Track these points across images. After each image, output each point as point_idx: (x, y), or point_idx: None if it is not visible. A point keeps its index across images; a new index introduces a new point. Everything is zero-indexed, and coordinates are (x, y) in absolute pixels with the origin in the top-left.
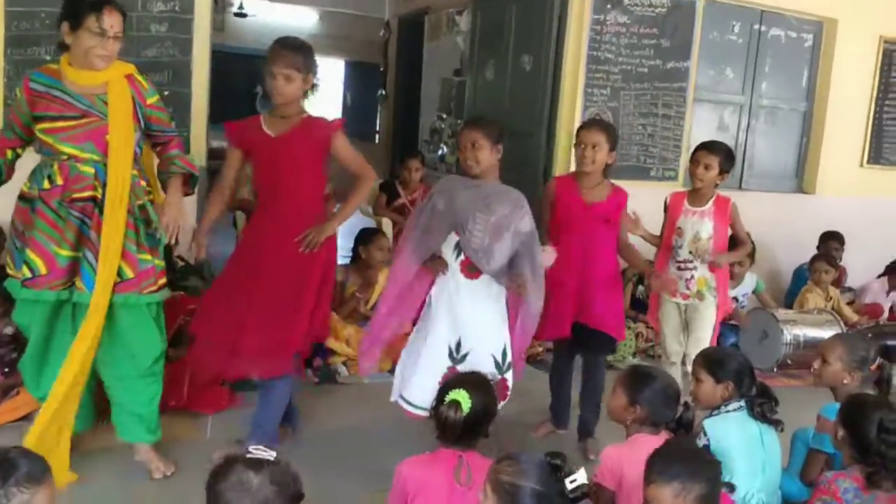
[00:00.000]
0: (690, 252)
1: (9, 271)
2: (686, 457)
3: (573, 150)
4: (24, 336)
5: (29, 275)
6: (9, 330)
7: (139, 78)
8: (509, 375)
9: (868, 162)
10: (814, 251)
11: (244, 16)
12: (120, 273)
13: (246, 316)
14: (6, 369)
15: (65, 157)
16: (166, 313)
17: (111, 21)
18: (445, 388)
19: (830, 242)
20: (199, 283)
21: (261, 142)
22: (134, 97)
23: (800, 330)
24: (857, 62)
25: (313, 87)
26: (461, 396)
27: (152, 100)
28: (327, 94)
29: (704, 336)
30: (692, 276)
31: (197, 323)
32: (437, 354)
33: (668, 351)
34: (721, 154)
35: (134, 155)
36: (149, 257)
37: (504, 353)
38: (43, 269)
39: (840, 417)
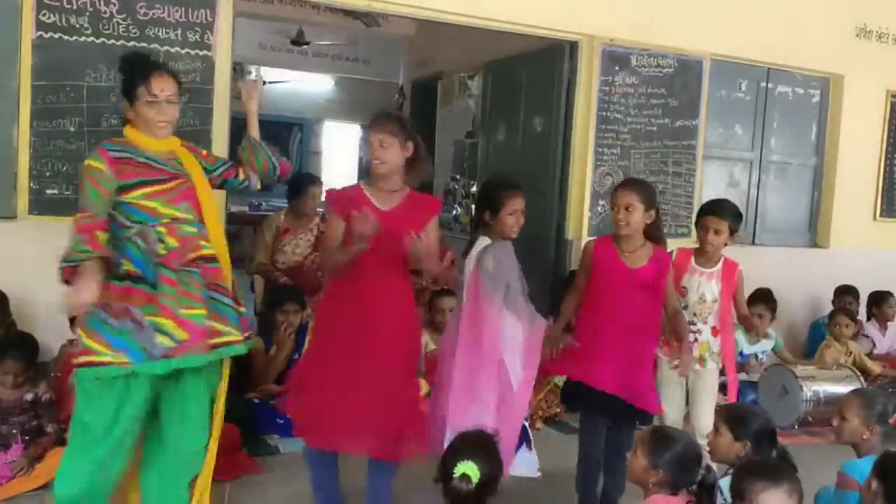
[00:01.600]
0: (695, 314)
1: (95, 359)
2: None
3: (588, 209)
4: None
5: (170, 343)
6: (28, 396)
7: (188, 144)
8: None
9: (881, 215)
10: (829, 305)
11: (263, 83)
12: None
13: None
14: (27, 437)
15: (167, 220)
16: None
17: (161, 85)
18: (451, 455)
19: (845, 297)
20: None
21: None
22: (196, 158)
23: (819, 386)
24: (865, 116)
25: (415, 159)
26: (470, 469)
27: (205, 152)
28: (343, 158)
29: (706, 407)
30: (695, 340)
31: (299, 407)
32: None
33: (668, 422)
34: (729, 217)
35: None
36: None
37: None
38: (182, 335)
39: (876, 473)
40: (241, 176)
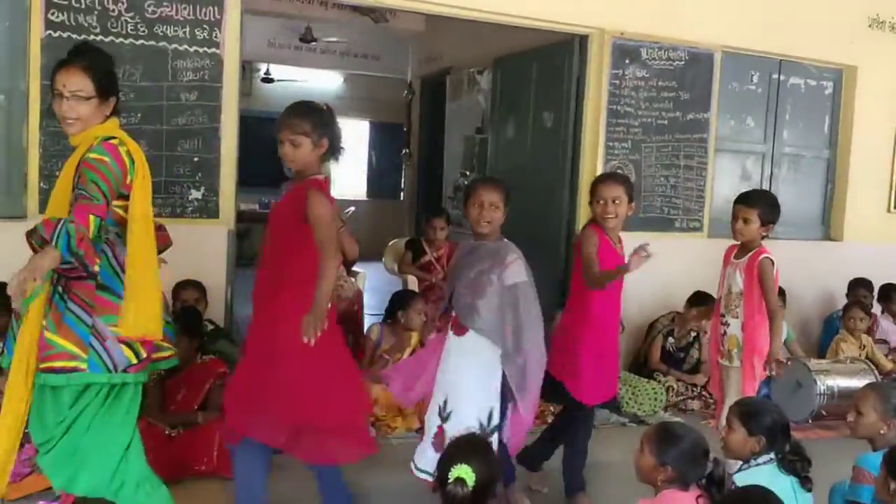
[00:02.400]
0: (725, 307)
1: (80, 365)
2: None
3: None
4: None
5: (134, 360)
6: None
7: (92, 155)
8: (494, 439)
9: (895, 207)
10: (843, 298)
11: (271, 81)
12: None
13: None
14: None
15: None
16: (197, 376)
17: (65, 79)
18: (447, 459)
19: (859, 290)
20: (228, 348)
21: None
22: (79, 158)
23: (833, 380)
24: (878, 108)
25: (332, 150)
26: (465, 473)
27: (90, 156)
28: (353, 155)
29: (728, 405)
30: (725, 333)
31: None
32: (431, 414)
33: None
34: (760, 206)
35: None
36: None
37: (490, 416)
38: (143, 352)
39: (887, 468)
40: None
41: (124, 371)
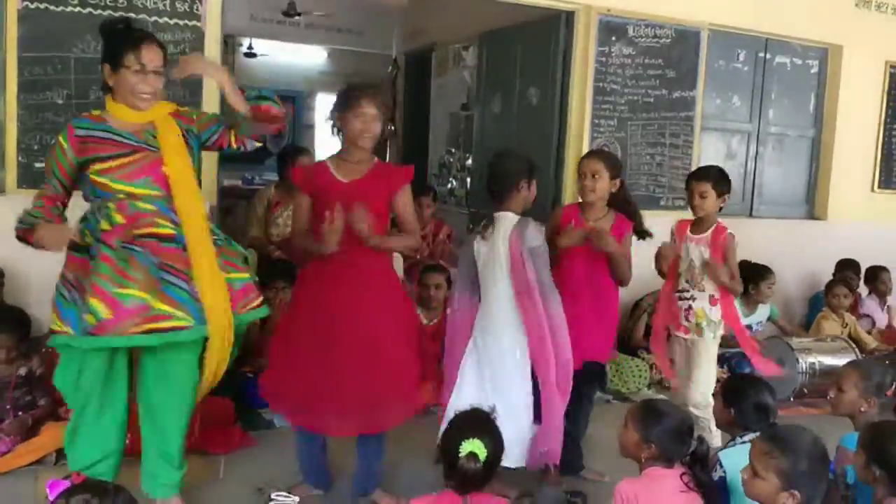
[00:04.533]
0: (686, 281)
1: (54, 327)
2: None
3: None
4: (61, 400)
5: (93, 322)
6: (21, 371)
7: (182, 110)
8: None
9: (879, 186)
10: (827, 277)
11: (254, 56)
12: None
13: (347, 373)
14: (20, 412)
15: (122, 195)
16: None
17: (150, 56)
18: (454, 434)
19: (846, 271)
20: None
21: (331, 188)
22: (181, 127)
23: (815, 358)
24: (864, 87)
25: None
26: (477, 447)
27: (195, 114)
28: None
29: (701, 379)
30: (690, 307)
31: (277, 386)
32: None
33: (682, 396)
34: (712, 178)
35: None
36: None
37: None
38: (106, 314)
39: (863, 448)
40: (235, 144)
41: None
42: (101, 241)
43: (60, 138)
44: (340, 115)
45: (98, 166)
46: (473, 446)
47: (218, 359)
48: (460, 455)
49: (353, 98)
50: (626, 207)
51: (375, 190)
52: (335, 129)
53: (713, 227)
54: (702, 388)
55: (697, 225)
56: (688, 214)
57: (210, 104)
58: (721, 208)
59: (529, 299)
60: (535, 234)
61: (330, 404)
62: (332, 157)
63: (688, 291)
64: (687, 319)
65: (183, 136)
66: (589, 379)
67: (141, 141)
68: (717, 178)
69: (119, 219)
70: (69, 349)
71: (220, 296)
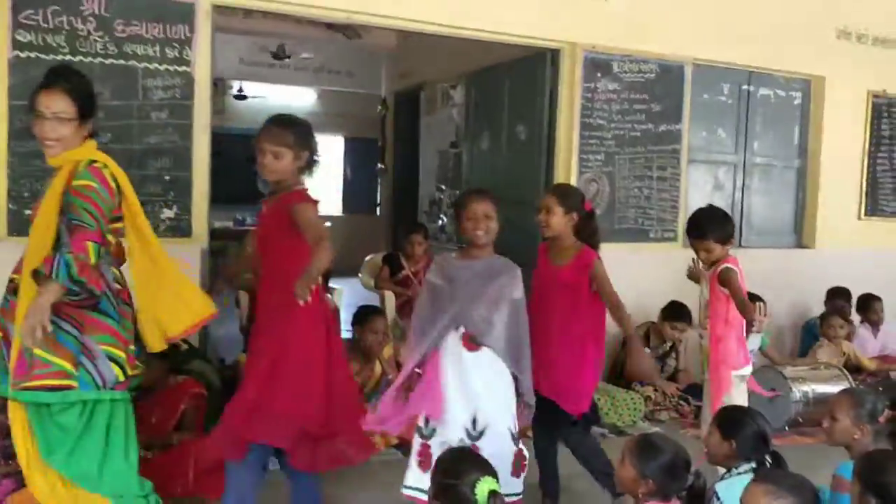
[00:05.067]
0: (701, 320)
1: (72, 383)
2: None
3: None
4: None
5: (121, 378)
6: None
7: (87, 162)
8: (522, 446)
9: (866, 214)
10: (817, 305)
11: (244, 98)
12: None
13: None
14: (10, 461)
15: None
16: (171, 397)
17: (49, 100)
18: (459, 476)
19: (837, 300)
20: (203, 367)
21: (258, 220)
22: (66, 184)
23: (808, 386)
24: (847, 117)
25: (310, 164)
26: (493, 484)
27: (77, 183)
28: (327, 171)
29: (706, 413)
30: (702, 346)
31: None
32: (452, 434)
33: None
34: (713, 233)
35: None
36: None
37: (514, 424)
38: (130, 370)
39: (858, 477)
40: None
41: (112, 388)
42: (119, 296)
43: None
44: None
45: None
46: (490, 485)
47: None
48: (477, 495)
49: (259, 133)
50: (593, 239)
51: (275, 217)
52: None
53: (715, 265)
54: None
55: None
56: (676, 248)
57: (199, 147)
58: (727, 250)
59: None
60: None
61: (271, 413)
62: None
63: (705, 329)
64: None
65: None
66: (553, 422)
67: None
68: (716, 228)
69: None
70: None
71: None
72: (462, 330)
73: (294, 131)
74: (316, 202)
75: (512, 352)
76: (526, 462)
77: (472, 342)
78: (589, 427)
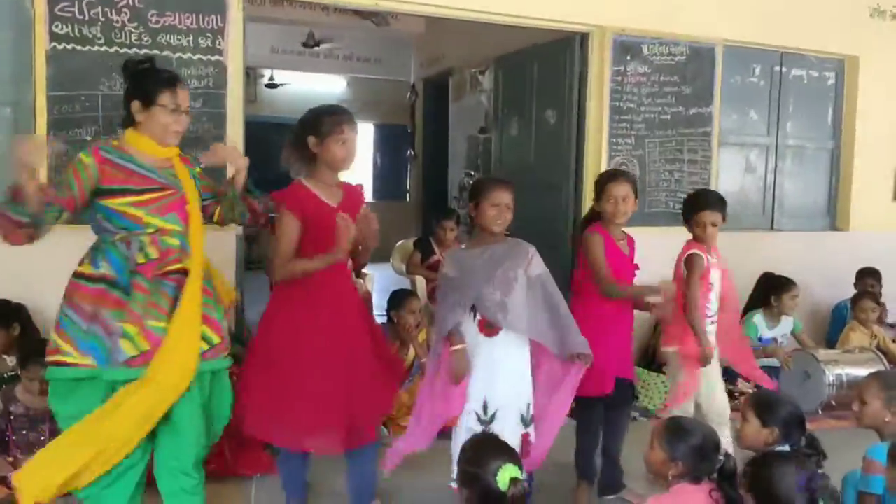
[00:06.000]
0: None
1: (66, 359)
2: None
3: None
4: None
5: (134, 353)
6: (19, 410)
7: (186, 156)
8: (531, 430)
9: None
10: (850, 287)
11: (275, 86)
12: (207, 340)
13: (346, 390)
14: (21, 453)
15: (152, 230)
16: None
17: (183, 97)
18: (481, 463)
19: (867, 279)
20: (240, 351)
21: (323, 212)
22: (191, 172)
23: (842, 370)
24: (881, 97)
25: None
26: (516, 472)
27: (199, 169)
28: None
29: (720, 389)
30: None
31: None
32: (467, 424)
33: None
34: (724, 209)
35: None
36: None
37: (528, 408)
38: (146, 346)
39: (892, 459)
40: (216, 218)
41: (125, 365)
42: (138, 272)
43: (84, 157)
44: (319, 139)
45: (131, 198)
46: (512, 472)
47: (152, 402)
48: (499, 482)
49: (337, 123)
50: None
51: (352, 210)
52: (297, 151)
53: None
54: (724, 397)
55: (711, 252)
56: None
57: (232, 135)
58: None
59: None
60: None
61: (312, 420)
62: (309, 182)
63: (714, 315)
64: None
65: (191, 176)
66: (620, 396)
67: (163, 177)
68: (724, 203)
69: (153, 253)
70: (76, 383)
71: (185, 342)
72: (478, 317)
73: None
74: None
75: (539, 326)
76: (530, 447)
77: (488, 328)
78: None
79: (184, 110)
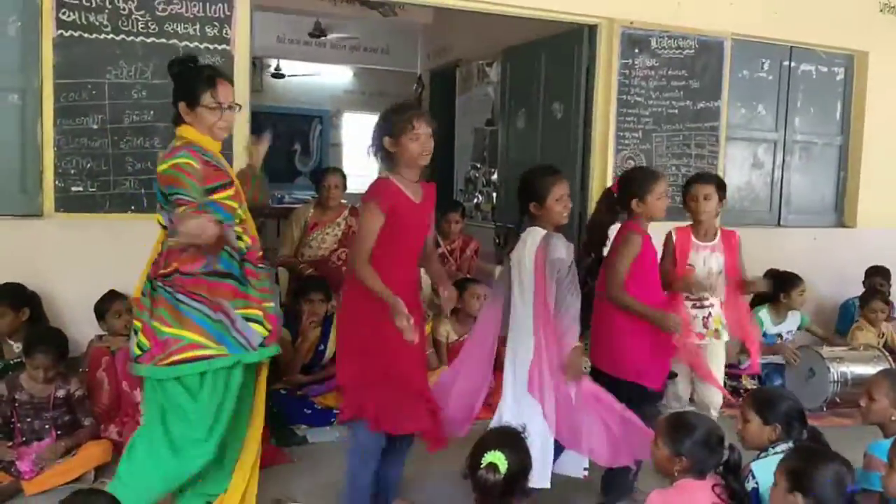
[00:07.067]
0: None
1: (203, 352)
2: None
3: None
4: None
5: (266, 333)
6: (60, 392)
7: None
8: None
9: None
10: (857, 284)
11: (282, 76)
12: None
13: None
14: (59, 432)
15: (239, 219)
16: None
17: (225, 93)
18: (478, 448)
19: (875, 278)
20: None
21: (408, 208)
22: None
23: (846, 367)
24: (890, 93)
25: None
26: (498, 458)
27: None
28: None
29: (719, 377)
30: (709, 314)
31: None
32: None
33: (679, 393)
34: (714, 182)
35: None
36: None
37: (510, 409)
38: (270, 325)
39: (892, 459)
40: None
41: (261, 346)
42: (247, 260)
43: (190, 160)
44: (393, 139)
45: (228, 192)
46: (494, 458)
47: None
48: (481, 466)
49: (407, 121)
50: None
51: (430, 208)
52: (379, 152)
53: (719, 233)
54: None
55: (700, 232)
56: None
57: (239, 125)
58: (717, 215)
59: (544, 315)
60: (559, 247)
61: (417, 405)
62: (395, 177)
63: (707, 300)
64: (705, 326)
65: None
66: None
67: (228, 171)
68: (719, 181)
69: (248, 240)
70: (213, 375)
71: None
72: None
73: None
74: None
75: (539, 311)
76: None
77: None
78: None
79: (228, 106)
